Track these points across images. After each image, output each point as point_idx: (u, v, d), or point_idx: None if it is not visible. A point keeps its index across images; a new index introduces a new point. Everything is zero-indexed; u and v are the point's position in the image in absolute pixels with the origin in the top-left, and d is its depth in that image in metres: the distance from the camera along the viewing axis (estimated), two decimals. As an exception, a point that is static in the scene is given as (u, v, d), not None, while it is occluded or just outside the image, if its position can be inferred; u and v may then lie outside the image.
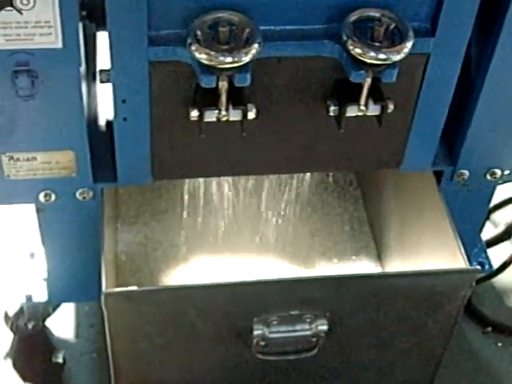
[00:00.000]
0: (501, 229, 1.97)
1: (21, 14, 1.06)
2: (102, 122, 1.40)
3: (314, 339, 1.29)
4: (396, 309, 1.28)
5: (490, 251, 1.70)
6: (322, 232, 1.72)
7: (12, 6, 1.05)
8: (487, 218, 1.83)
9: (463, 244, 1.30)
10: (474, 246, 1.60)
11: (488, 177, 1.41)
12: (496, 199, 2.02)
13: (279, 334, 1.27)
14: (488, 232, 1.90)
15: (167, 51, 1.12)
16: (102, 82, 1.21)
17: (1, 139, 1.22)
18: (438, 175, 1.42)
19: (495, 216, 2.03)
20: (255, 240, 1.68)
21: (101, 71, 1.19)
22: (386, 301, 1.26)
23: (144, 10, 1.08)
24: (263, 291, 1.22)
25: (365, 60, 1.10)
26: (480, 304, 1.86)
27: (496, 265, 1.80)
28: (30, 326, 1.60)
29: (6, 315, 1.65)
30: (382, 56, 1.09)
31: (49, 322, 1.66)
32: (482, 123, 1.32)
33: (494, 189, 1.46)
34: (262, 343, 1.28)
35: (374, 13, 1.11)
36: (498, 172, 1.41)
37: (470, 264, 1.30)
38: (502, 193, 2.02)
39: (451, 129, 1.35)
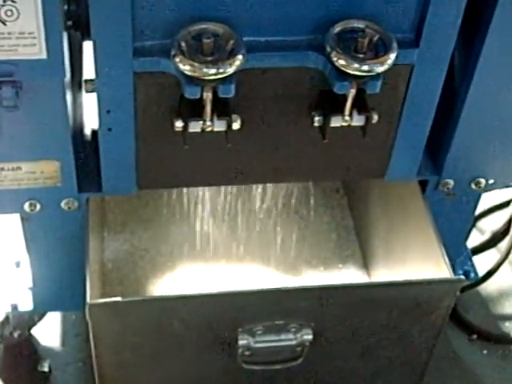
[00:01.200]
0: (487, 236, 1.98)
1: (4, 25, 1.05)
2: (87, 131, 1.39)
3: (299, 349, 1.29)
4: (380, 318, 1.29)
5: (476, 259, 1.71)
6: (308, 240, 1.72)
7: (-5, 17, 1.05)
8: (473, 225, 1.84)
9: (448, 252, 1.30)
10: (460, 254, 1.60)
11: (473, 186, 1.42)
12: (482, 207, 2.03)
13: (264, 343, 1.26)
14: (474, 239, 1.90)
15: (152, 62, 1.12)
16: (87, 91, 1.21)
17: (-15, 149, 1.22)
18: (423, 184, 1.42)
19: (481, 223, 2.04)
20: (241, 248, 1.68)
21: (86, 81, 1.20)
22: (370, 310, 1.27)
23: (128, 20, 1.08)
24: (247, 301, 1.22)
25: (349, 71, 1.10)
26: (466, 311, 1.86)
27: (482, 272, 1.81)
28: (15, 335, 1.60)
29: (-8, 324, 1.65)
30: (365, 67, 1.09)
31: (35, 331, 1.65)
32: (467, 133, 1.32)
33: (479, 198, 1.46)
34: (247, 353, 1.28)
35: (358, 24, 1.12)
36: (483, 181, 1.41)
37: (455, 273, 1.31)
38: (488, 200, 2.03)
39: (436, 138, 1.35)
